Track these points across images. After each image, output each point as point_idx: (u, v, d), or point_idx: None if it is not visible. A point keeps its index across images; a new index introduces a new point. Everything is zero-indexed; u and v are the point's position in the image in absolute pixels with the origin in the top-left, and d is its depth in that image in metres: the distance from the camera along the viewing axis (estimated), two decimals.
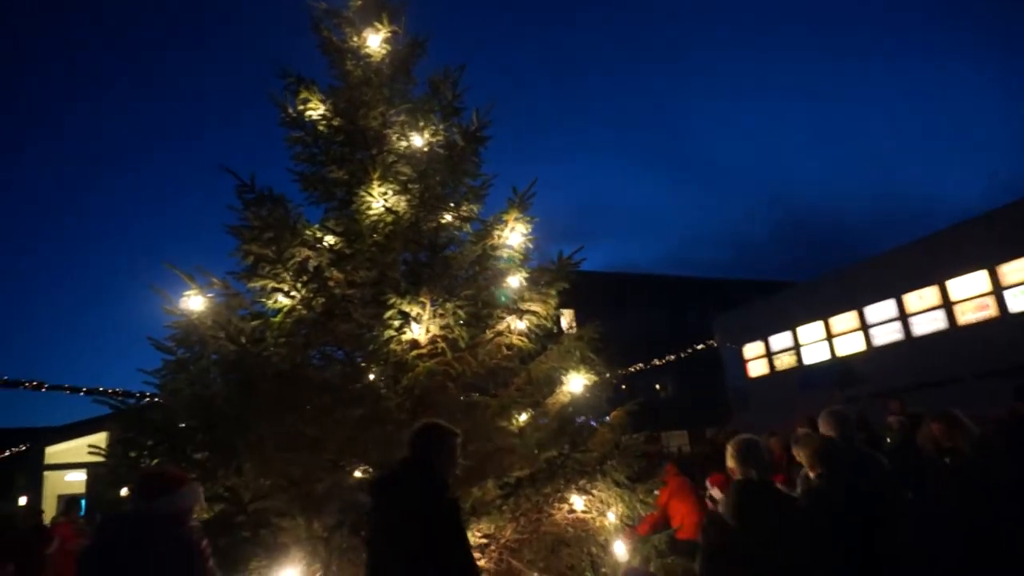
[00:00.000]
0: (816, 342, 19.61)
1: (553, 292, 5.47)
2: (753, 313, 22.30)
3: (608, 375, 6.01)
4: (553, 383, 5.86)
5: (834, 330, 19.06)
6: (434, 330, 4.77)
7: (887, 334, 17.49)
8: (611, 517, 5.18)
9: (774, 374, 21.04)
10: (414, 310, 4.65)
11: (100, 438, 21.27)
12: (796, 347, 20.25)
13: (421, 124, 6.08)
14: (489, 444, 5.25)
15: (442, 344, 4.77)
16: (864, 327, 18.10)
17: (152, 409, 4.85)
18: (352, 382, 4.84)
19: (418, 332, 4.74)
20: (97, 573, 2.76)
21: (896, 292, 17.17)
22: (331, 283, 5.02)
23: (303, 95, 6.08)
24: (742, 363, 22.20)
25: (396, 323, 4.69)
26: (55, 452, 19.39)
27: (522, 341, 5.47)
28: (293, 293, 4.94)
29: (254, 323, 5.02)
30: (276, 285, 4.97)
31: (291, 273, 4.96)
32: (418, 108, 6.20)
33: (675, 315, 28.01)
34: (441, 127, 6.10)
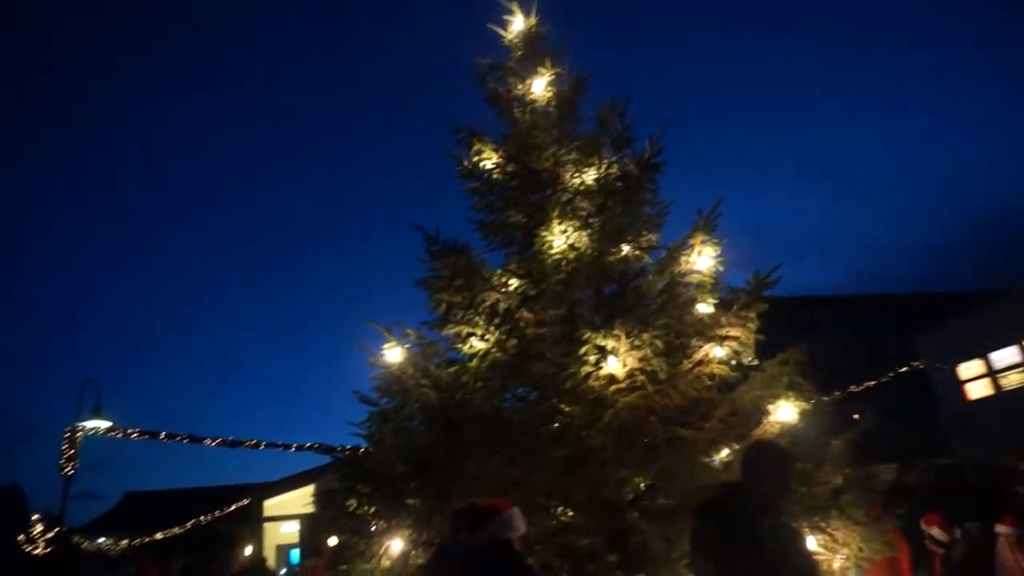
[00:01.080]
0: None
1: (752, 315, 5.11)
2: (967, 328, 19.77)
3: (822, 401, 5.49)
4: (759, 413, 5.43)
5: None
6: (631, 363, 4.60)
7: None
8: (840, 559, 4.65)
9: (1000, 394, 18.42)
10: (609, 344, 4.52)
11: (308, 491, 23.03)
12: None
13: (592, 159, 6.05)
14: (693, 483, 4.95)
15: (641, 377, 4.58)
16: None
17: (364, 458, 5.06)
18: (550, 422, 4.77)
19: (615, 366, 4.60)
20: None
21: None
22: (522, 324, 5.04)
23: (476, 147, 6.31)
24: (958, 385, 19.68)
25: (592, 358, 4.59)
26: (271, 505, 21.18)
27: (722, 369, 5.15)
28: (487, 336, 5.01)
29: (451, 369, 5.15)
30: (471, 330, 5.07)
31: (484, 317, 5.05)
32: (588, 144, 6.20)
33: (868, 337, 25.55)
34: (613, 159, 6.01)
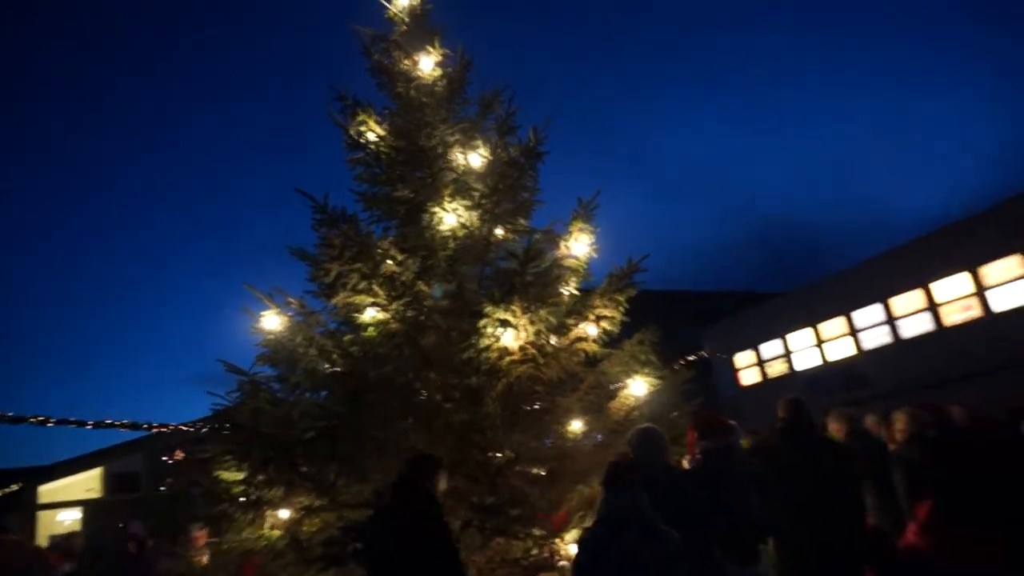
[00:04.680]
0: (806, 348, 20.14)
1: (622, 299, 5.68)
2: (742, 323, 22.81)
3: (669, 378, 6.22)
4: (617, 387, 6.05)
5: (824, 336, 19.62)
6: (526, 337, 4.95)
7: (876, 337, 18.08)
8: None
9: (766, 382, 21.51)
10: (510, 317, 4.82)
11: (95, 475, 20.78)
12: (787, 354, 20.77)
13: (477, 142, 6.29)
14: (557, 449, 5.46)
15: (532, 351, 4.95)
16: (853, 332, 18.68)
17: (260, 424, 4.88)
18: (446, 390, 4.98)
19: (510, 339, 4.91)
20: (702, 489, 3.60)
21: (882, 296, 17.79)
22: (420, 296, 5.18)
23: (360, 117, 6.27)
24: (733, 372, 22.64)
25: (491, 331, 4.86)
26: (47, 491, 18.89)
27: (593, 347, 5.68)
28: (389, 307, 5.07)
29: (346, 338, 5.15)
30: (373, 300, 5.09)
31: (384, 288, 5.10)
32: (474, 127, 6.43)
33: (663, 328, 28.39)
34: (498, 144, 6.29)
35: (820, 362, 19.62)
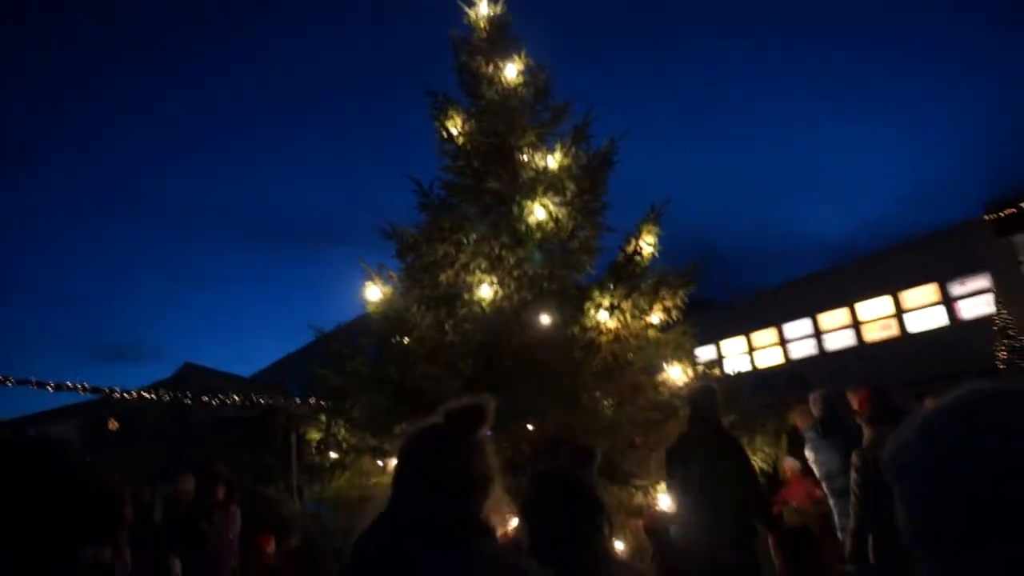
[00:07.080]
0: (738, 355, 21.92)
1: (682, 293, 6.57)
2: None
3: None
4: (658, 369, 6.93)
5: (755, 344, 21.43)
6: (618, 318, 5.76)
7: (803, 348, 19.99)
8: None
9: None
10: (616, 302, 5.62)
11: None
12: (720, 359, 22.49)
13: (556, 145, 7.02)
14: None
15: (624, 331, 5.77)
16: (783, 342, 20.54)
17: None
18: (558, 360, 5.70)
19: (609, 320, 5.72)
20: None
21: (812, 312, 19.70)
22: (535, 278, 5.89)
23: (449, 112, 6.89)
24: None
25: (594, 312, 5.64)
26: None
27: (655, 331, 6.55)
28: (506, 285, 5.76)
29: (461, 311, 5.80)
30: (492, 279, 5.76)
31: (503, 270, 5.78)
32: (553, 131, 7.16)
33: None
34: (574, 149, 7.03)
35: (749, 368, 21.43)
